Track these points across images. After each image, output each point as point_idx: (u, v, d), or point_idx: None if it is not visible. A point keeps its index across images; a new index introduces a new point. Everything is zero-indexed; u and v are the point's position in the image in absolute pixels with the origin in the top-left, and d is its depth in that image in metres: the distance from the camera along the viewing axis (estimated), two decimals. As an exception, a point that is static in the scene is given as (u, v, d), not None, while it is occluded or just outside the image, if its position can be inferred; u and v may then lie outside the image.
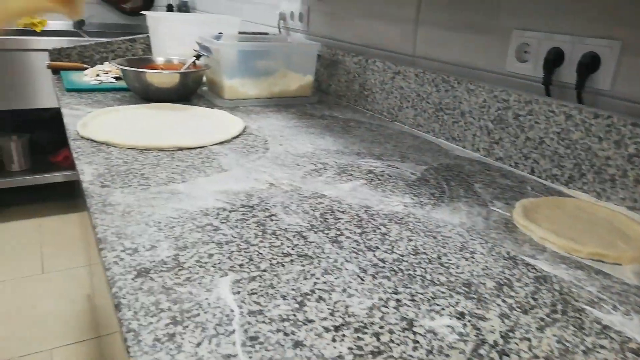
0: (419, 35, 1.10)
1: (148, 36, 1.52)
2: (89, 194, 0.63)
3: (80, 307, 1.65)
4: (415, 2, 1.09)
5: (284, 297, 0.45)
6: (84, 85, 1.19)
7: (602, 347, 0.42)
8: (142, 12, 1.63)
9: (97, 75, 1.26)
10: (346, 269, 0.50)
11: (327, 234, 0.57)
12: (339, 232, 0.58)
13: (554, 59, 0.80)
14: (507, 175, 0.81)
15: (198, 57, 1.17)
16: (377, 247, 0.55)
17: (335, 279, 0.48)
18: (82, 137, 0.84)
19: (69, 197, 2.33)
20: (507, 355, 0.39)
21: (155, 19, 1.47)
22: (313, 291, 0.46)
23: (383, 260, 0.52)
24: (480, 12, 0.94)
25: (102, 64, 1.43)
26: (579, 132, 0.74)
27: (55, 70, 1.35)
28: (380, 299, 0.46)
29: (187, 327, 0.40)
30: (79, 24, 2.49)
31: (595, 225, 0.64)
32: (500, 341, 0.41)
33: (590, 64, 0.75)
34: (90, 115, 0.93)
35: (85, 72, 1.29)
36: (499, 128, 0.87)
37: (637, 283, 0.52)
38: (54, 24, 2.45)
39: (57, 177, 2.18)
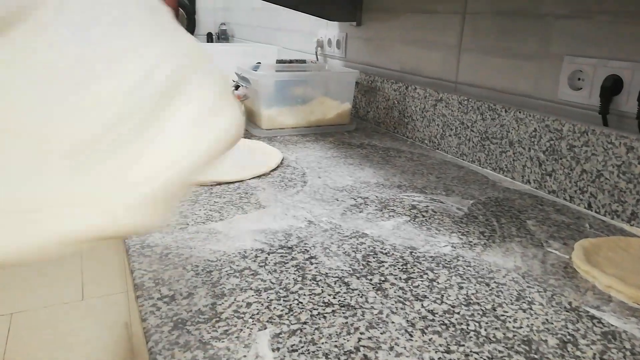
0: (462, 61, 1.07)
1: (188, 66, 1.55)
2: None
3: (117, 334, 1.66)
4: (458, 28, 1.06)
5: (326, 356, 0.42)
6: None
7: None
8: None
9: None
10: (392, 322, 0.47)
11: (371, 279, 0.54)
12: (383, 278, 0.55)
13: (612, 86, 0.74)
14: (562, 211, 0.76)
15: (237, 87, 1.18)
16: (425, 296, 0.51)
17: (381, 334, 0.45)
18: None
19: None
20: None
21: (195, 49, 1.49)
22: (357, 349, 0.43)
23: (432, 312, 0.49)
24: (528, 38, 0.90)
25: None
26: (642, 165, 0.69)
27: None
28: (432, 359, 0.42)
29: (224, 389, 0.37)
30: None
31: (667, 271, 0.58)
32: (572, 417, 0.36)
33: (652, 92, 0.70)
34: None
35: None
36: (552, 159, 0.82)
37: None
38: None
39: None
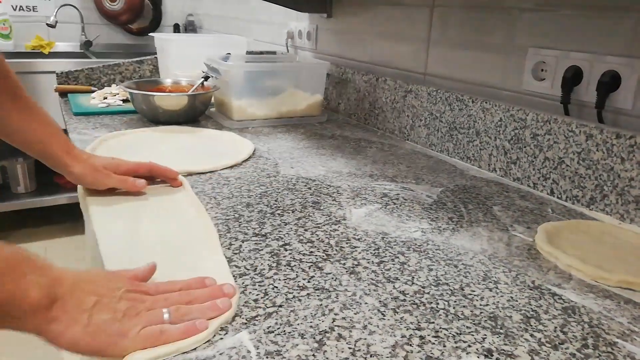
0: (430, 53, 1.09)
1: (156, 57, 1.52)
2: (98, 224, 0.61)
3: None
4: (426, 21, 1.08)
5: (302, 336, 0.43)
6: (91, 109, 1.19)
7: (644, 390, 0.39)
8: (150, 33, 1.64)
9: (105, 98, 1.26)
10: (365, 303, 0.48)
11: (344, 264, 0.55)
12: (356, 262, 0.56)
13: (573, 77, 0.78)
14: (526, 197, 0.79)
15: (206, 78, 1.17)
16: (397, 278, 0.53)
17: (355, 314, 0.46)
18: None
19: (74, 219, 2.33)
20: (544, 402, 0.37)
21: (163, 40, 1.47)
22: (332, 328, 0.44)
23: (404, 293, 0.50)
24: (494, 31, 0.93)
25: (109, 86, 1.43)
26: (600, 152, 0.72)
27: (63, 93, 1.35)
28: (403, 336, 0.43)
29: (201, 371, 0.38)
30: (86, 45, 2.51)
31: (622, 251, 0.61)
32: (535, 384, 0.39)
33: (610, 83, 0.73)
34: (98, 140, 0.92)
35: (93, 95, 1.28)
36: (516, 148, 0.85)
37: (672, 314, 0.50)
38: (61, 46, 2.47)
39: (61, 199, 2.17)
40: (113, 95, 1.28)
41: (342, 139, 1.09)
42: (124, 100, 1.25)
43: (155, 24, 2.77)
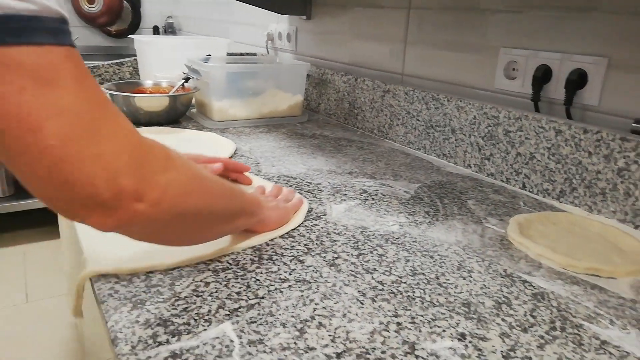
0: (407, 54, 1.12)
1: (135, 59, 1.52)
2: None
3: (66, 335, 1.61)
4: (403, 22, 1.11)
5: (283, 325, 0.44)
6: (72, 110, 1.18)
7: (605, 365, 0.41)
8: (129, 35, 1.64)
9: (85, 99, 1.25)
10: (345, 293, 0.50)
11: (324, 257, 0.57)
12: (336, 255, 0.57)
13: (542, 76, 0.81)
14: (500, 191, 0.82)
15: (187, 79, 1.18)
16: (375, 269, 0.55)
17: (335, 303, 0.48)
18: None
19: (52, 223, 2.30)
20: (512, 378, 0.39)
21: (143, 42, 1.47)
22: (313, 317, 0.45)
23: (382, 283, 0.52)
24: (468, 32, 0.96)
25: (89, 88, 1.42)
26: (569, 147, 0.75)
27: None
28: (381, 323, 0.45)
29: (186, 360, 0.39)
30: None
31: (589, 240, 0.64)
32: (504, 363, 0.41)
33: (577, 81, 0.77)
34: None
35: (73, 96, 1.28)
36: (490, 144, 0.88)
37: (632, 297, 0.52)
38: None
39: (39, 202, 2.14)
40: (93, 97, 1.28)
41: (323, 138, 1.11)
42: (104, 102, 1.25)
43: (134, 26, 2.76)
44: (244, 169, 0.79)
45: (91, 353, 1.52)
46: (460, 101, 0.92)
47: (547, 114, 0.82)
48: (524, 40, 0.85)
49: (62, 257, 1.85)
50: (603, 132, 0.71)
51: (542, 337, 0.45)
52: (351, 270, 0.54)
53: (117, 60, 1.51)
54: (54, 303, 1.77)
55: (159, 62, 1.39)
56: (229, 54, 1.25)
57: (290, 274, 0.53)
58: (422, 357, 0.41)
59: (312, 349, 0.41)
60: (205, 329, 0.43)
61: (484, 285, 0.53)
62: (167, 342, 0.41)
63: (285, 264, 0.55)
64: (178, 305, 0.46)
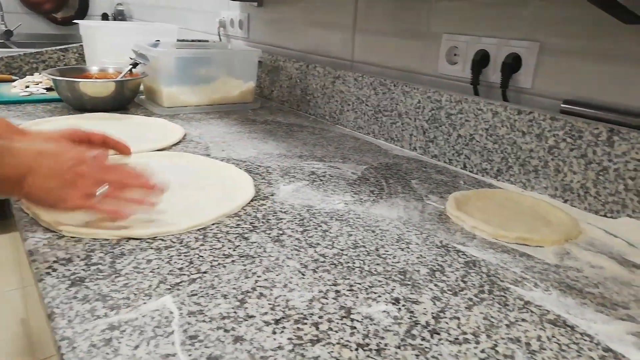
0: (356, 41, 1.14)
1: (81, 45, 1.47)
2: (19, 211, 0.60)
3: (14, 332, 1.55)
4: (352, 10, 1.13)
5: (224, 297, 0.45)
6: (12, 98, 1.13)
7: (524, 320, 0.45)
8: (75, 21, 1.58)
9: (27, 86, 1.21)
10: (287, 266, 0.51)
11: (269, 234, 0.58)
12: (281, 232, 0.59)
13: (481, 60, 0.85)
14: (442, 171, 0.85)
15: (135, 65, 1.15)
16: (318, 244, 0.56)
17: (277, 275, 0.49)
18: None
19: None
20: (438, 334, 0.42)
21: (88, 27, 1.42)
22: (254, 288, 0.47)
23: (324, 256, 0.54)
24: (412, 19, 0.99)
25: (32, 75, 1.37)
26: (504, 127, 0.79)
27: (-19, 82, 1.28)
28: (320, 291, 0.47)
29: (124, 331, 0.39)
30: (7, 34, 2.37)
31: (521, 213, 0.68)
32: (432, 322, 0.43)
33: (513, 64, 0.81)
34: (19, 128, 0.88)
35: (14, 83, 1.23)
36: (433, 127, 0.91)
37: (556, 262, 0.56)
38: (-22, 35, 2.32)
39: (-14, 196, 2.04)
40: (36, 83, 1.23)
41: (275, 124, 1.11)
42: (48, 89, 1.21)
43: (81, 13, 2.66)
44: (126, 150, 0.71)
45: (40, 349, 1.48)
46: (406, 86, 0.95)
47: (485, 96, 0.86)
48: (465, 27, 0.89)
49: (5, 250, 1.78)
50: (535, 112, 0.75)
51: (470, 299, 0.48)
52: (295, 245, 0.56)
53: (62, 47, 1.46)
54: (2, 299, 1.70)
55: (106, 48, 1.35)
56: (180, 41, 1.23)
57: (234, 250, 0.54)
58: (357, 320, 0.43)
59: (252, 316, 0.42)
60: (145, 303, 0.43)
61: (421, 255, 0.55)
62: (106, 315, 0.41)
63: (230, 241, 0.56)
64: (118, 281, 0.46)
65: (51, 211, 0.55)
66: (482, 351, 0.40)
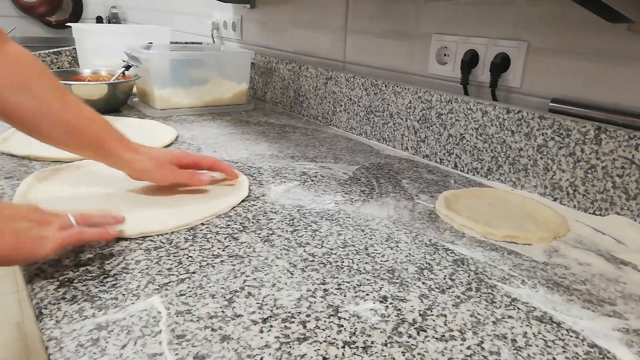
0: (348, 42, 1.14)
1: (74, 49, 1.47)
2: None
3: (9, 335, 1.55)
4: (343, 11, 1.13)
5: (212, 296, 0.45)
6: (4, 100, 1.13)
7: (510, 317, 0.45)
8: (68, 24, 1.58)
9: (20, 89, 1.21)
10: (276, 265, 0.51)
11: (259, 234, 0.58)
12: (270, 232, 0.59)
13: (470, 60, 0.85)
14: (433, 171, 0.86)
15: (127, 67, 1.15)
16: (308, 243, 0.57)
17: (265, 275, 0.49)
18: (2, 153, 0.81)
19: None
20: (424, 331, 0.42)
21: (81, 30, 1.43)
22: (243, 288, 0.47)
23: (313, 255, 0.54)
24: (402, 20, 0.99)
25: (25, 77, 1.37)
26: (494, 127, 0.80)
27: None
28: (309, 290, 0.47)
29: (112, 331, 0.40)
30: None
31: (509, 212, 0.69)
32: (419, 319, 0.44)
33: (501, 64, 0.81)
34: (11, 130, 0.89)
35: (6, 86, 1.22)
36: (424, 127, 0.91)
37: (544, 260, 0.57)
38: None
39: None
40: (28, 87, 1.23)
41: (268, 126, 1.12)
42: (40, 92, 1.21)
43: (75, 16, 2.65)
44: (233, 174, 0.72)
45: (35, 353, 1.47)
46: (397, 86, 0.96)
47: (475, 96, 0.87)
48: (454, 27, 0.89)
49: None
50: (524, 111, 0.76)
51: (458, 297, 0.48)
52: (284, 245, 0.56)
53: (55, 49, 1.46)
54: (-5, 304, 1.70)
55: (99, 51, 1.35)
56: (173, 43, 1.23)
57: (223, 250, 0.54)
58: (345, 318, 0.43)
59: (239, 315, 0.43)
60: (133, 303, 0.43)
61: (409, 253, 0.56)
62: (94, 315, 0.41)
63: (219, 241, 0.56)
64: (107, 282, 0.46)
65: (28, 262, 0.47)
66: (468, 348, 0.40)
